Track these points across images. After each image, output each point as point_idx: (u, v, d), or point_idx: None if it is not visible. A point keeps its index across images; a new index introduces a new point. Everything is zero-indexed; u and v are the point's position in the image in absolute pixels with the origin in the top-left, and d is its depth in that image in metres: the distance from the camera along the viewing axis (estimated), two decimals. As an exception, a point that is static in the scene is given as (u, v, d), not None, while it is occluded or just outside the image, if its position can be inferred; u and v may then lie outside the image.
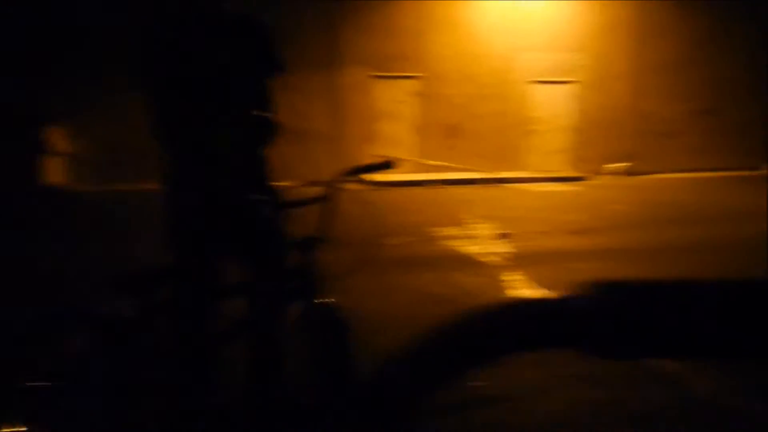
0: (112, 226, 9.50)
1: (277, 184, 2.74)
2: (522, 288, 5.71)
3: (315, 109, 14.90)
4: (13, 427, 2.27)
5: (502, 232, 8.26)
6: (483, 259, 6.92)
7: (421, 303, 5.27)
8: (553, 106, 16.28)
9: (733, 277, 0.56)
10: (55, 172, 13.62)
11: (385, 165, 2.66)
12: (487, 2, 15.51)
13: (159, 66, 2.45)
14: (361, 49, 14.96)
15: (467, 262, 6.80)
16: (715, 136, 17.16)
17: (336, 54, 14.81)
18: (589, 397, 3.58)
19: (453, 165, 14.74)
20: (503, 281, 5.96)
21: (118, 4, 13.58)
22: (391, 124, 15.34)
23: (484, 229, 8.70)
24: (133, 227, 9.34)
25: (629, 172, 15.96)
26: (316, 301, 2.68)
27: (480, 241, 7.90)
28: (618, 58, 16.54)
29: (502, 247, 7.48)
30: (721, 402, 3.47)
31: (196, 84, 2.49)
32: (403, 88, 15.40)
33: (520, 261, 6.78)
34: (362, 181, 2.82)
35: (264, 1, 14.20)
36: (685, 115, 17.06)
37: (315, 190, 2.69)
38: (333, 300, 2.73)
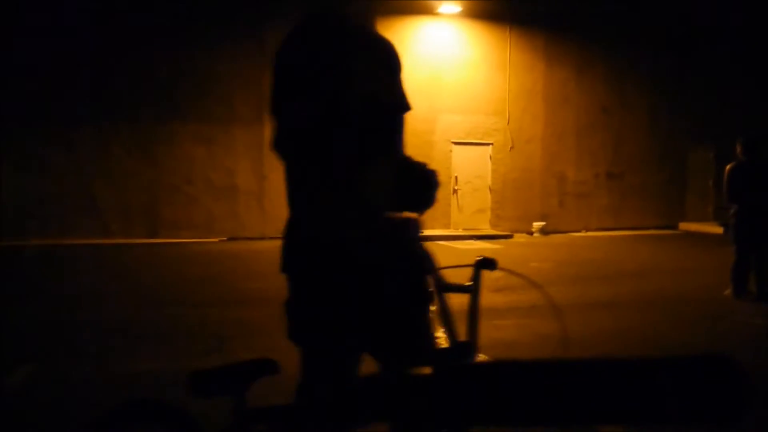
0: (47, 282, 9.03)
1: None
2: (446, 345, 5.79)
3: (240, 166, 14.82)
4: None
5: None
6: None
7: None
8: (473, 166, 16.84)
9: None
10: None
11: (493, 265, 2.23)
12: (407, 65, 16.02)
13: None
14: (287, 107, 15.11)
15: (393, 320, 6.83)
16: (623, 197, 18.16)
17: (261, 111, 14.89)
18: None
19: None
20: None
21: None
22: (315, 182, 15.43)
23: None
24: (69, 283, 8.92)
25: (544, 231, 16.58)
26: None
27: (405, 298, 7.98)
28: (529, 123, 17.37)
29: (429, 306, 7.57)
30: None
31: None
32: (328, 146, 15.58)
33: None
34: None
35: (189, 57, 14.24)
36: (593, 177, 18.00)
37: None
38: None
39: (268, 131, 14.95)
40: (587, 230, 17.50)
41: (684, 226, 18.31)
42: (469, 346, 2.09)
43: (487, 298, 8.14)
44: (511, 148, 17.12)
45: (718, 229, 15.99)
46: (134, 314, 7.01)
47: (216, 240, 14.29)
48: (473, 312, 2.15)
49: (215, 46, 14.44)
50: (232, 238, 14.43)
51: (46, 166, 13.52)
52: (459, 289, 2.16)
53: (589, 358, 0.63)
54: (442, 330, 2.15)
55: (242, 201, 14.81)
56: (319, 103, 1.89)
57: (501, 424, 0.64)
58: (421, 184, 2.15)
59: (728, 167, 8.30)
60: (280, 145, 2.08)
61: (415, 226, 2.08)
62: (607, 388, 0.62)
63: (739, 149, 8.25)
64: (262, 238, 14.46)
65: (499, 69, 16.99)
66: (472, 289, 2.17)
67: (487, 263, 2.23)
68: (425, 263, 2.10)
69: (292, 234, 1.97)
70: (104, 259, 11.37)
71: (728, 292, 8.12)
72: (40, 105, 13.40)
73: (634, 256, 12.72)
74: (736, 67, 18.55)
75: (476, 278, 2.15)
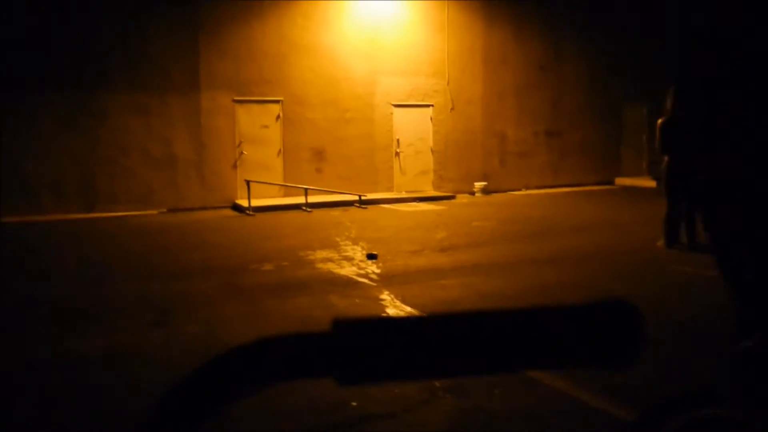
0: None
1: None
2: (391, 307, 5.86)
3: (177, 134, 14.43)
4: None
5: (370, 252, 8.42)
6: (355, 281, 7.02)
7: (292, 327, 5.25)
8: (415, 129, 16.85)
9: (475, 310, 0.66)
10: None
11: None
12: (346, 28, 15.84)
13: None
14: (223, 73, 14.73)
15: (339, 284, 6.86)
16: (562, 154, 18.54)
17: (197, 78, 14.48)
18: (458, 405, 3.73)
19: (321, 188, 14.82)
20: (374, 301, 6.09)
21: None
22: (256, 149, 15.18)
23: (354, 250, 8.82)
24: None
25: (486, 191, 16.82)
26: None
27: (351, 262, 8.01)
28: (469, 83, 17.45)
29: (373, 268, 7.62)
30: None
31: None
32: (267, 112, 15.32)
33: (391, 280, 6.95)
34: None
35: (124, 24, 13.68)
36: (532, 136, 18.29)
37: None
38: None
39: (205, 99, 14.59)
40: (528, 188, 17.83)
41: (620, 181, 18.86)
42: None
43: (431, 259, 8.28)
44: (452, 109, 17.18)
45: (652, 183, 16.54)
46: (73, 291, 6.83)
47: (156, 212, 13.97)
48: None
49: (148, 13, 13.90)
50: (172, 210, 14.12)
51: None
52: None
53: (494, 309, 0.65)
54: None
55: (181, 171, 14.47)
56: None
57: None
58: None
59: (659, 122, 8.55)
60: None
61: None
62: (510, 337, 0.65)
63: (669, 104, 8.50)
64: (203, 209, 14.21)
65: (437, 29, 16.93)
66: None
67: None
68: None
69: None
70: (39, 237, 10.99)
71: (661, 243, 8.45)
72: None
73: (573, 212, 13.06)
74: (669, 25, 19.00)
75: None
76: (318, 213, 13.33)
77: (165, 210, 14.12)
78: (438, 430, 3.47)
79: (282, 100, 15.35)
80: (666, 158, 8.39)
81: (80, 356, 4.68)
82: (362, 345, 0.62)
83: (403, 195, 15.85)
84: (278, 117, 15.38)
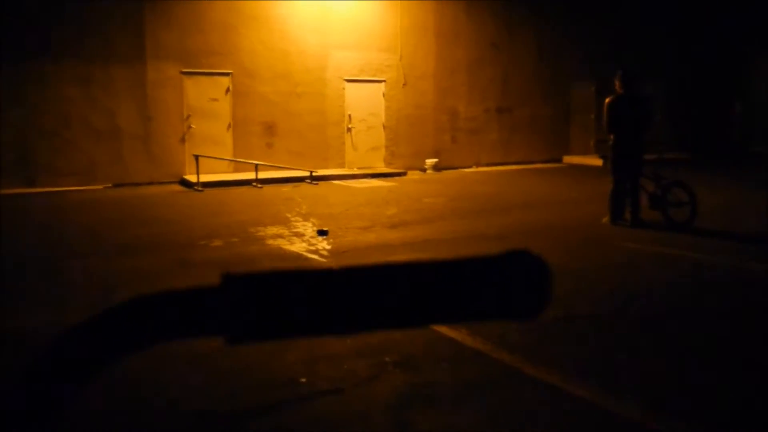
0: None
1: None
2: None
3: (122, 107, 14.00)
4: None
5: (321, 229, 8.38)
6: (305, 257, 6.98)
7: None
8: (367, 104, 16.76)
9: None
10: None
11: None
12: (298, 2, 15.56)
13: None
14: (170, 44, 14.31)
15: (289, 260, 6.82)
16: (512, 132, 18.73)
17: (143, 48, 14.04)
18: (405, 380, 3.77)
19: (271, 163, 14.63)
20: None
21: None
22: (205, 122, 14.86)
23: (305, 226, 8.77)
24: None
25: (437, 167, 16.90)
26: None
27: (301, 239, 7.96)
28: (422, 58, 17.41)
29: (324, 244, 7.60)
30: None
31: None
32: (216, 84, 14.99)
33: (341, 256, 6.94)
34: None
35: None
36: (483, 112, 18.41)
37: None
38: None
39: (151, 70, 14.17)
40: (478, 165, 17.99)
41: (568, 159, 19.19)
42: None
43: (382, 235, 8.29)
44: (404, 84, 17.14)
45: (599, 161, 16.88)
46: (12, 268, 6.60)
47: (101, 187, 13.58)
48: None
49: (87, -22, 13.36)
50: (117, 185, 13.75)
51: None
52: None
53: (398, 262, 0.62)
54: None
55: (126, 145, 14.07)
56: None
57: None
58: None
59: (607, 100, 8.71)
60: None
61: None
62: (417, 289, 0.62)
63: (616, 83, 8.66)
64: (150, 184, 13.87)
65: (390, 3, 16.78)
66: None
67: None
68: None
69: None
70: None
71: (606, 219, 8.65)
72: None
73: (522, 189, 13.25)
74: (614, 5, 19.30)
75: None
76: (269, 189, 13.18)
77: (110, 185, 13.74)
78: (386, 405, 3.49)
79: (232, 73, 15.05)
80: (612, 137, 8.57)
81: (30, 333, 4.53)
82: (253, 301, 0.58)
83: (355, 171, 15.80)
84: (228, 90, 15.08)
